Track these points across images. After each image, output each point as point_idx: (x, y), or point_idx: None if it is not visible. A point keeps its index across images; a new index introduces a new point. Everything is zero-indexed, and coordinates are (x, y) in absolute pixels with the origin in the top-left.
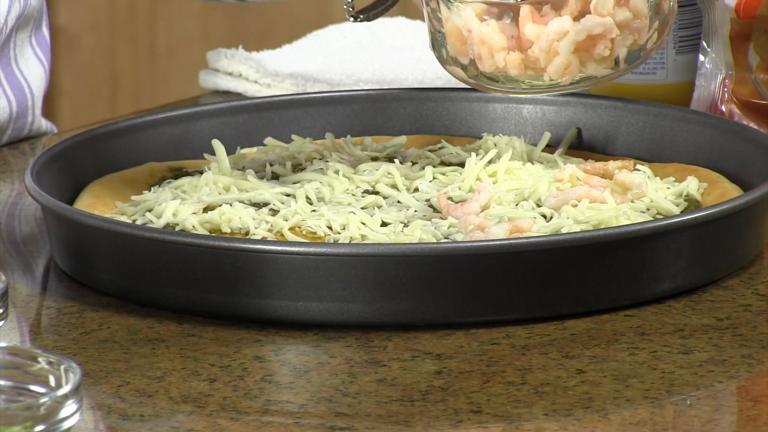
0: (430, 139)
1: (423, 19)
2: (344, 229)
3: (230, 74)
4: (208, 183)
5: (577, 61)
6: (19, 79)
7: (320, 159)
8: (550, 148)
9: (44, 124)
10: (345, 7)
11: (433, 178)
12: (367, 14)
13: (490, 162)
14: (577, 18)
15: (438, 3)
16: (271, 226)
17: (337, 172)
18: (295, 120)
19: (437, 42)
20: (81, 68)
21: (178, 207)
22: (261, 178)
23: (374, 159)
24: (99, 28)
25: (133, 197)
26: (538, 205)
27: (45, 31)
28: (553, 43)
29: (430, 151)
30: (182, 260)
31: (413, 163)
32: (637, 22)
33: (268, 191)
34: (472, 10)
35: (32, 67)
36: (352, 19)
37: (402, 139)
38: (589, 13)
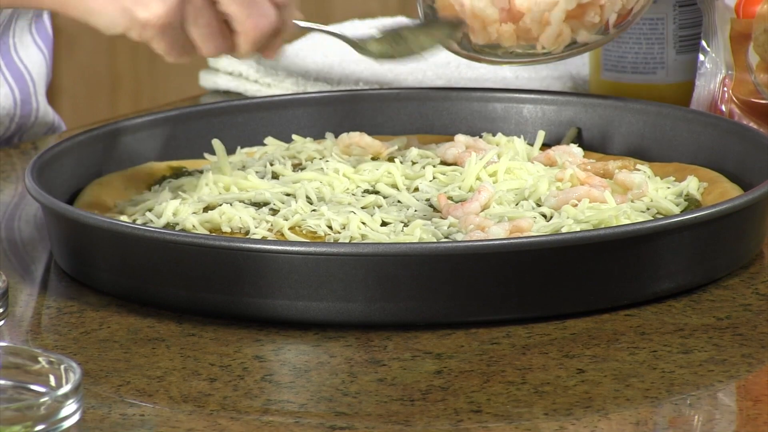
0: (431, 138)
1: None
2: (344, 228)
3: (230, 74)
4: (208, 183)
5: (568, 30)
6: (19, 66)
7: (320, 159)
8: (547, 146)
9: (51, 112)
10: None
11: (433, 178)
12: None
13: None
14: None
15: None
16: (272, 225)
17: (337, 171)
18: (296, 120)
19: (429, 17)
20: (81, 68)
21: (179, 206)
22: (261, 177)
23: (374, 158)
24: None
25: (134, 197)
26: (539, 205)
27: (45, 20)
28: (544, 14)
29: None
30: (182, 260)
31: (413, 163)
32: None
33: (268, 191)
34: None
35: (32, 54)
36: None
37: (402, 139)
38: None
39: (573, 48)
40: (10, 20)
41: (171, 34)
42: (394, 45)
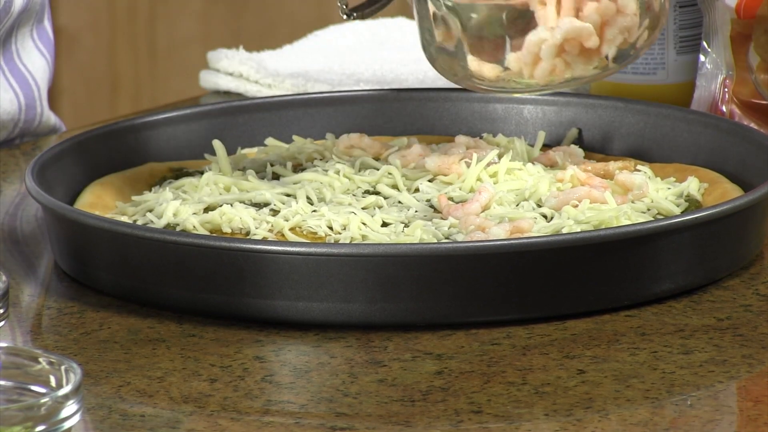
0: (431, 139)
1: None
2: (345, 229)
3: (231, 74)
4: (208, 183)
5: (562, 63)
6: (23, 72)
7: (321, 159)
8: (548, 147)
9: (53, 117)
10: (339, 4)
11: (434, 178)
12: (361, 12)
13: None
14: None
15: (428, 2)
16: (272, 226)
17: (337, 172)
18: (296, 120)
19: (427, 42)
20: (81, 68)
21: (179, 207)
22: (261, 178)
23: (376, 159)
24: (99, 29)
25: (134, 197)
26: (539, 206)
27: (47, 24)
28: (533, 54)
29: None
30: (183, 260)
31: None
32: (626, 21)
33: (268, 191)
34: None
35: (35, 60)
36: (345, 16)
37: (403, 140)
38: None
39: (571, 81)
40: (12, 27)
41: None
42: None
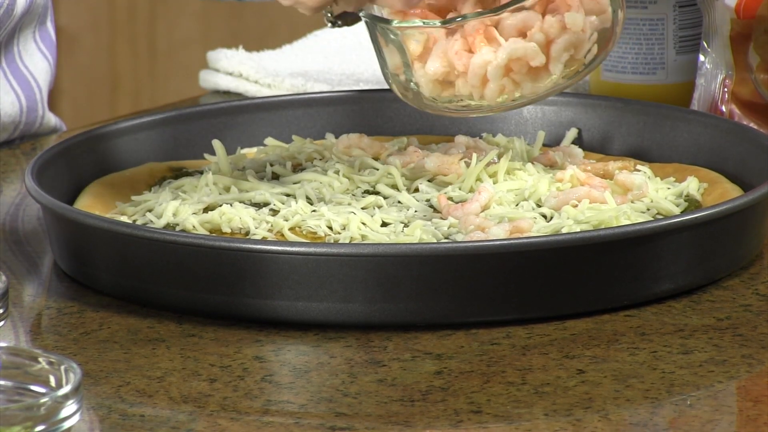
0: (430, 139)
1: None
2: (344, 229)
3: (230, 74)
4: (208, 183)
5: (511, 83)
6: (25, 74)
7: (320, 159)
8: (547, 147)
9: (53, 118)
10: (324, 13)
11: (434, 178)
12: (345, 20)
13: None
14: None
15: (377, 34)
16: (272, 226)
17: (337, 172)
18: (296, 120)
19: (382, 63)
20: (81, 68)
21: (179, 207)
22: (261, 178)
23: (375, 159)
24: (99, 29)
25: (134, 197)
26: (539, 206)
27: (50, 26)
28: (480, 75)
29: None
30: (182, 260)
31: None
32: (573, 38)
33: (268, 191)
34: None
35: (37, 62)
36: (330, 24)
37: (402, 140)
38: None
39: (522, 98)
40: (14, 29)
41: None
42: None
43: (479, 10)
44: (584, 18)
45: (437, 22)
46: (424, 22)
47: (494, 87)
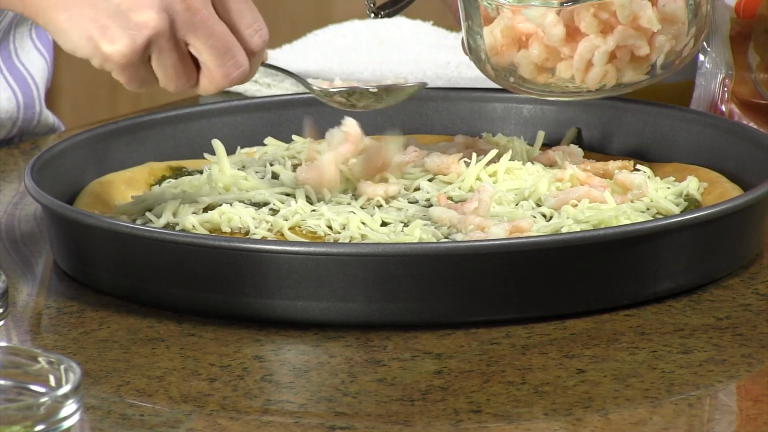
0: (430, 139)
1: (422, 19)
2: (344, 228)
3: None
4: (208, 183)
5: (613, 70)
6: (21, 71)
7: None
8: (547, 147)
9: (51, 117)
10: (366, 2)
11: (433, 178)
12: (387, 11)
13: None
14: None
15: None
16: (271, 225)
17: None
18: (295, 120)
19: (476, 46)
20: (81, 68)
21: (178, 207)
22: (261, 177)
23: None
24: None
25: (133, 197)
26: (539, 205)
27: None
28: (586, 60)
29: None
30: (182, 260)
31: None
32: (675, 29)
33: (268, 191)
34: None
35: (33, 59)
36: (372, 15)
37: (402, 139)
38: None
39: (620, 86)
40: (10, 26)
41: (133, 70)
42: (354, 101)
43: None
44: (685, 11)
45: (555, 3)
46: (542, 2)
47: (598, 72)
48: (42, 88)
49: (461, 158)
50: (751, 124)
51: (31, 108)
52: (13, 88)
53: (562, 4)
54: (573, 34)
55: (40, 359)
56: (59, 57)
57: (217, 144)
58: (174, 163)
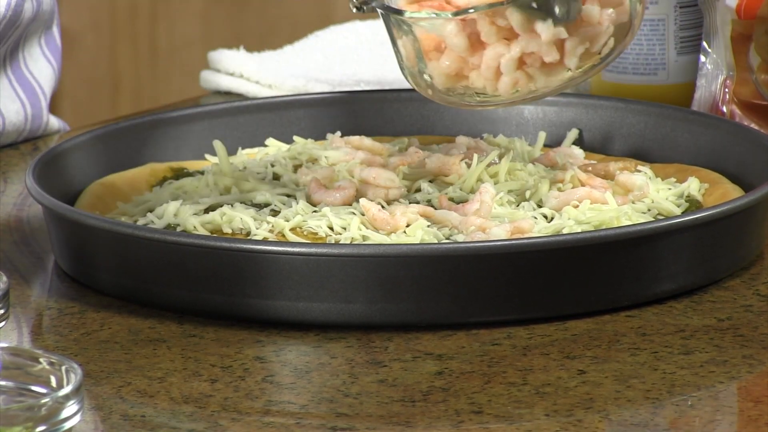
0: (431, 139)
1: None
2: (345, 229)
3: (231, 75)
4: (209, 184)
5: (525, 76)
6: (29, 80)
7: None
8: (548, 148)
9: (56, 122)
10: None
11: (434, 179)
12: (371, 5)
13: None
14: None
15: (392, 27)
16: (273, 226)
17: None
18: (297, 120)
19: (401, 63)
20: (82, 68)
21: (180, 208)
22: (262, 178)
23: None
24: (100, 29)
25: (134, 198)
26: (540, 206)
27: (55, 31)
28: (493, 68)
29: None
30: (183, 261)
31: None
32: (588, 31)
33: (269, 192)
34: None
35: (42, 68)
36: (355, 9)
37: (403, 140)
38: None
39: (537, 91)
40: (20, 36)
41: None
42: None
43: (491, 1)
44: (600, 10)
45: (449, 14)
46: (436, 14)
47: (508, 80)
48: (49, 97)
49: (462, 159)
50: (753, 125)
51: (39, 118)
52: (22, 99)
53: (455, 14)
54: (481, 43)
55: (41, 360)
56: (61, 58)
57: (218, 144)
58: (175, 164)
